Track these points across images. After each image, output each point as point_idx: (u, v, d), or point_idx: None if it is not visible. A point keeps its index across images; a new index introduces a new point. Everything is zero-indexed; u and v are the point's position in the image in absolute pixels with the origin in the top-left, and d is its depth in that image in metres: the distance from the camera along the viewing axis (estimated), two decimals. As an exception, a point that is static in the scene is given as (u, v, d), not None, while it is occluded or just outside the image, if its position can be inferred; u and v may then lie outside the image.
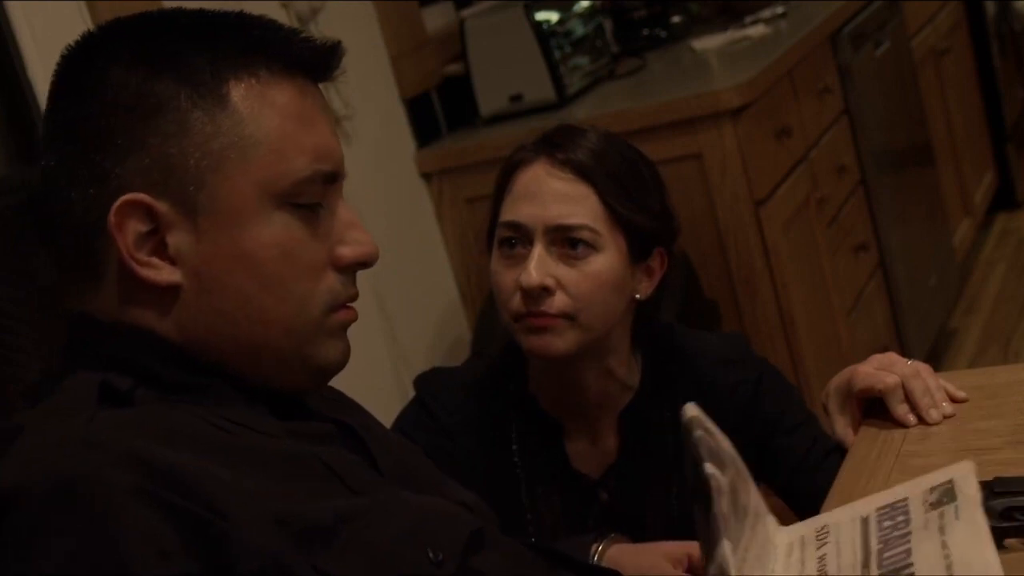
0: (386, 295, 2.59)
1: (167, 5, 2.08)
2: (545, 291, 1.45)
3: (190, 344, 0.99)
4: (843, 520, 1.09)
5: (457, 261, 2.81)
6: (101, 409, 0.91)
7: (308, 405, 1.07)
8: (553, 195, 1.46)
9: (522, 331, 1.48)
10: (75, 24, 1.89)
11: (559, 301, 1.45)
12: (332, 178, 1.02)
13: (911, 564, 0.95)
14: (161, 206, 0.96)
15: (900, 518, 1.04)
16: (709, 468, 0.93)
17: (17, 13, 1.93)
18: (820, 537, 1.08)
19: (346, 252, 1.02)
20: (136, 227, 0.96)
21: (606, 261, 1.47)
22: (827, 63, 2.99)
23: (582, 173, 1.47)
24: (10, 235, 1.12)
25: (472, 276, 2.79)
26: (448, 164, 2.77)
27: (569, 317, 1.46)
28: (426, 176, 2.79)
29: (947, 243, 3.62)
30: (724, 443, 1.03)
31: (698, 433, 0.97)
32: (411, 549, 0.93)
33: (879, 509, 1.07)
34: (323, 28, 2.52)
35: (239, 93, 0.97)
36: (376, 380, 2.50)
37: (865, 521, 1.06)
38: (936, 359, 3.36)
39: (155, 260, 0.97)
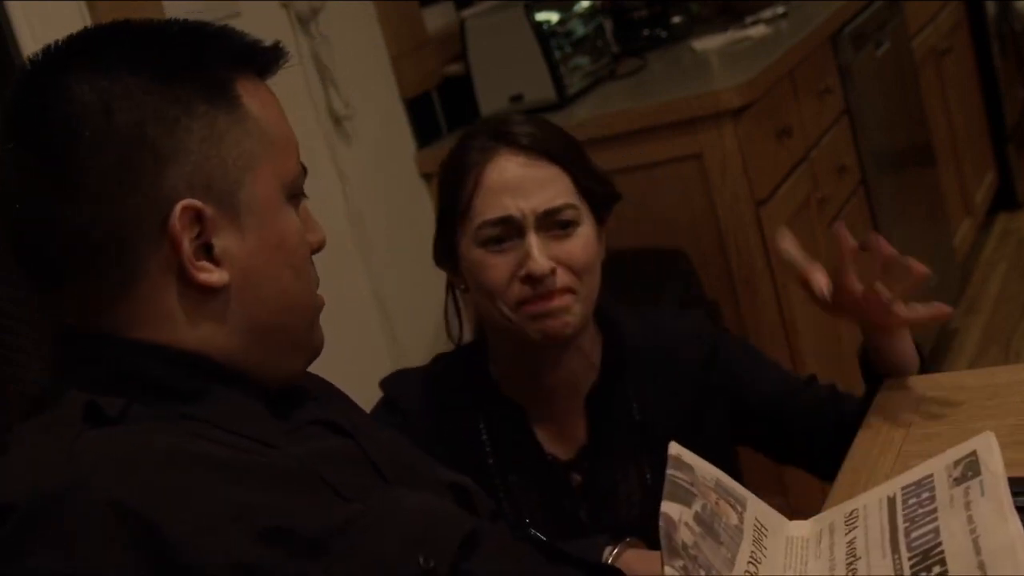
0: (386, 295, 2.59)
1: (167, 5, 2.09)
2: (550, 273, 1.48)
3: (214, 344, 1.01)
4: (871, 502, 1.11)
5: (457, 261, 2.80)
6: (87, 429, 0.92)
7: (304, 402, 1.08)
8: (533, 182, 1.50)
9: (529, 319, 1.50)
10: (75, 24, 1.88)
11: (562, 278, 1.49)
12: (305, 172, 1.08)
13: (940, 543, 0.97)
14: (208, 209, 0.98)
15: (925, 495, 1.05)
16: (664, 507, 0.99)
17: (17, 13, 1.92)
18: (849, 522, 1.10)
19: (314, 240, 1.08)
20: (188, 233, 0.97)
21: (588, 230, 1.53)
22: (828, 63, 2.99)
23: (548, 155, 1.52)
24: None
25: (472, 276, 2.79)
26: (448, 164, 2.77)
27: (572, 291, 1.50)
28: (426, 176, 2.79)
29: (948, 243, 3.62)
30: (705, 473, 1.08)
31: (668, 472, 1.03)
32: (402, 557, 0.93)
33: (904, 488, 1.09)
34: (323, 28, 2.52)
35: (246, 95, 1.02)
36: (376, 380, 2.50)
37: (891, 500, 1.08)
38: (937, 359, 3.36)
39: (206, 264, 0.99)
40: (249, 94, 1.02)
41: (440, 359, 1.66)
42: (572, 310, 1.50)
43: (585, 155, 1.58)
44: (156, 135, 0.97)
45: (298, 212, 1.06)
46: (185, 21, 1.04)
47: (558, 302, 1.49)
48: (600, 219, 1.56)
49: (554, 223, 1.50)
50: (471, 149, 1.53)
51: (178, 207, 0.96)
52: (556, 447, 1.57)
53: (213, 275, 0.99)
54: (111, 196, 0.96)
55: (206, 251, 0.99)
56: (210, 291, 0.99)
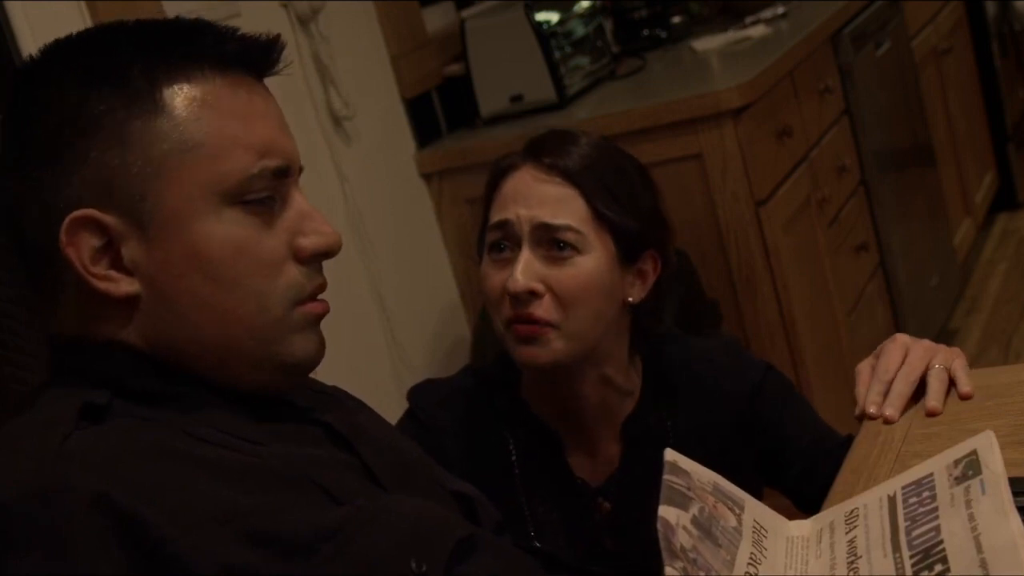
0: (386, 295, 2.59)
1: (167, 6, 2.09)
2: (532, 295, 1.45)
3: (158, 353, 0.99)
4: (871, 501, 1.11)
5: (457, 261, 2.81)
6: (78, 426, 0.92)
7: (295, 403, 1.06)
8: (539, 197, 1.47)
9: (512, 340, 1.48)
10: (75, 24, 1.88)
11: (546, 305, 1.45)
12: (283, 172, 1.01)
13: (941, 541, 0.97)
14: (109, 219, 0.96)
15: (925, 494, 1.05)
16: (661, 511, 0.98)
17: (17, 13, 1.92)
18: (850, 521, 1.10)
19: (306, 243, 1.02)
20: (89, 242, 0.96)
21: (592, 263, 1.47)
22: (828, 63, 2.99)
23: (567, 176, 1.48)
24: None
25: (472, 276, 2.79)
26: (448, 164, 2.77)
27: (555, 326, 1.45)
28: (426, 176, 2.79)
29: (948, 243, 3.62)
30: (702, 477, 1.07)
31: (665, 478, 1.02)
32: (393, 561, 0.92)
33: (905, 487, 1.09)
34: (323, 28, 2.52)
35: (175, 97, 0.97)
36: (376, 380, 2.50)
37: (892, 499, 1.08)
38: (937, 359, 3.35)
39: (112, 273, 0.97)
40: (182, 96, 0.97)
41: (469, 371, 1.64)
42: (550, 344, 1.45)
43: (629, 187, 1.51)
44: (61, 145, 0.96)
45: (264, 215, 1.00)
46: (145, 22, 1.01)
47: (533, 331, 1.45)
48: (628, 258, 1.51)
49: (551, 241, 1.46)
50: (508, 156, 1.53)
51: (67, 219, 0.95)
52: (587, 471, 1.55)
53: (118, 285, 0.97)
54: (29, 204, 0.97)
55: (119, 259, 0.97)
56: (123, 301, 0.97)
